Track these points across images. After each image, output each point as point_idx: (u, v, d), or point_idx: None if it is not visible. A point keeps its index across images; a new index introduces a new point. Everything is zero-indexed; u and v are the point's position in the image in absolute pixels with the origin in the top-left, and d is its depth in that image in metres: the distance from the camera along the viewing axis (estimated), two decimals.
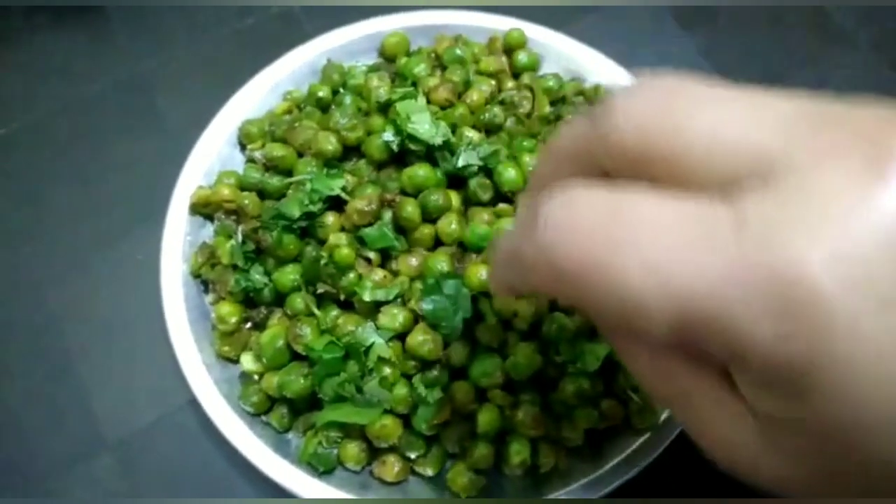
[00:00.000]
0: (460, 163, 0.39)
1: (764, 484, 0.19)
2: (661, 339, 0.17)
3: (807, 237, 0.15)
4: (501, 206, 0.40)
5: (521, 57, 0.47)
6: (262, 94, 0.46)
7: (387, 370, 0.36)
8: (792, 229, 0.15)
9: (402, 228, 0.39)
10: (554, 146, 0.22)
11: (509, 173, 0.39)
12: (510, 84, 0.45)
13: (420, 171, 0.39)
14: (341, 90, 0.46)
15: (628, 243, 0.16)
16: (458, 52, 0.45)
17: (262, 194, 0.42)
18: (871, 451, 0.16)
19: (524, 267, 0.19)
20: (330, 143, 0.41)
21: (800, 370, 0.15)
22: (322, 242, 0.39)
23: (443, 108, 0.42)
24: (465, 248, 0.39)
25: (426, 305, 0.36)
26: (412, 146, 0.39)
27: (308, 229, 0.39)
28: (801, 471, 0.17)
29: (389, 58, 0.47)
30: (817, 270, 0.14)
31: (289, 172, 0.42)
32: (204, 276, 0.42)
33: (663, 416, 0.38)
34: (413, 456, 0.38)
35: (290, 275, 0.39)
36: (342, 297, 0.38)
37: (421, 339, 0.36)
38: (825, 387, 0.15)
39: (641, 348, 0.20)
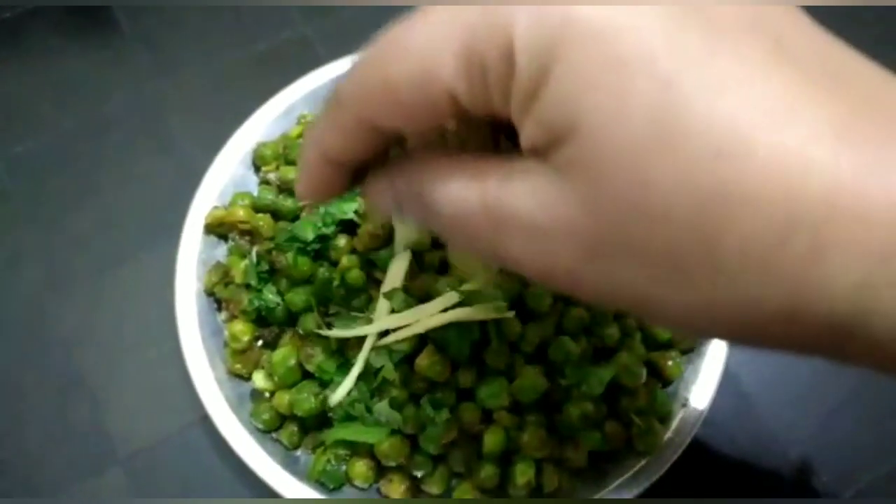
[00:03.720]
0: None
1: (569, 255, 0.19)
2: (454, 80, 0.19)
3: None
4: None
5: None
6: (276, 116, 0.47)
7: (395, 391, 0.37)
8: None
9: (412, 252, 0.40)
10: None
11: None
12: None
13: None
14: None
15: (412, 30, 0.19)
16: None
17: (276, 215, 0.43)
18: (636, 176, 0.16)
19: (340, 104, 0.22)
20: None
21: (554, 40, 0.17)
22: (334, 264, 0.40)
23: None
24: None
25: None
26: None
27: (321, 251, 0.40)
28: (591, 215, 0.17)
29: None
30: None
31: None
32: (217, 295, 0.43)
33: (666, 437, 0.39)
34: (419, 475, 0.38)
35: (302, 295, 0.39)
36: None
37: (429, 362, 0.37)
38: (575, 55, 0.16)
39: (445, 169, 0.21)
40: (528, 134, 0.19)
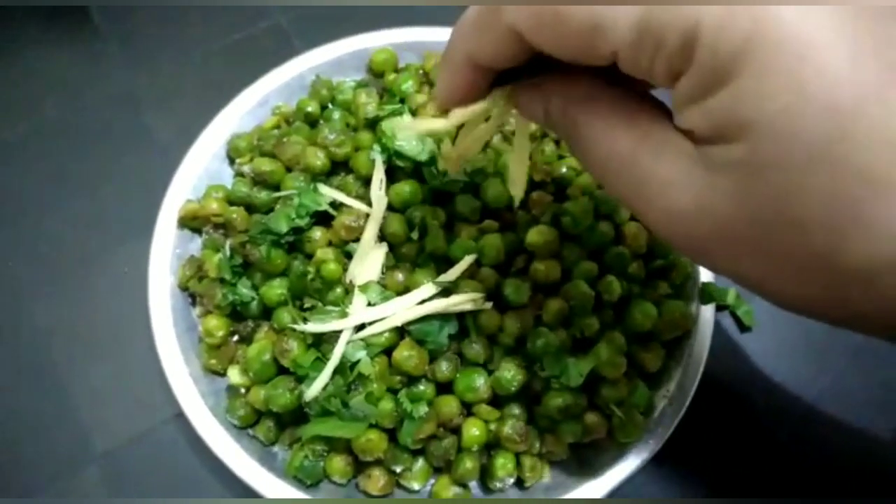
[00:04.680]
0: (447, 179, 0.40)
1: (701, 233, 0.20)
2: (622, 43, 0.20)
3: None
4: (487, 221, 0.40)
5: None
6: (250, 108, 0.46)
7: (372, 385, 0.36)
8: None
9: (388, 244, 0.39)
10: None
11: (495, 189, 0.40)
12: None
13: (406, 188, 0.39)
14: (330, 105, 0.46)
15: None
16: None
17: (250, 208, 0.42)
18: (800, 185, 0.18)
19: (499, 19, 0.22)
20: (318, 159, 0.41)
21: (742, 45, 0.17)
22: (309, 257, 0.39)
23: None
24: (451, 264, 0.39)
25: None
26: (399, 163, 0.40)
27: (295, 244, 0.40)
28: (734, 208, 0.19)
29: (378, 74, 0.48)
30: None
31: (277, 187, 0.42)
32: (191, 290, 0.42)
33: (648, 428, 0.39)
34: (398, 470, 0.38)
35: (277, 289, 0.39)
36: None
37: (407, 355, 0.36)
38: (763, 66, 0.17)
39: (602, 109, 0.23)
40: (691, 121, 0.20)
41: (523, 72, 0.25)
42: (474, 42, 0.24)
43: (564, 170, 0.42)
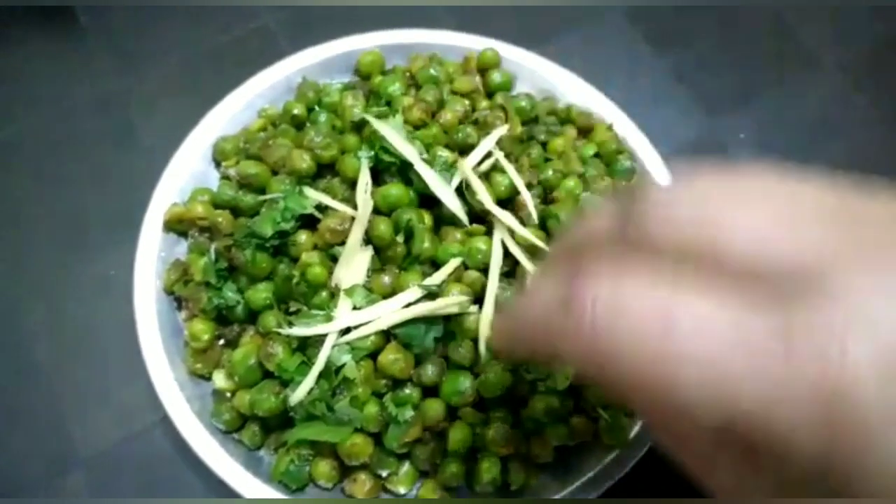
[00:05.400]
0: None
1: None
2: (703, 434, 0.18)
3: (851, 349, 0.15)
4: (473, 225, 0.40)
5: (495, 76, 0.47)
6: (237, 111, 0.46)
7: (357, 389, 0.36)
8: (833, 340, 0.15)
9: (374, 247, 0.39)
10: (583, 224, 0.22)
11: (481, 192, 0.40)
12: (483, 104, 0.46)
13: (393, 191, 0.39)
14: (316, 108, 0.46)
15: (681, 351, 0.17)
16: (433, 71, 0.46)
17: (236, 211, 0.42)
18: None
19: (555, 339, 0.19)
20: (304, 161, 0.41)
21: (835, 476, 0.16)
22: (295, 260, 0.39)
23: (416, 127, 0.42)
24: (437, 267, 0.39)
25: None
26: (386, 158, 0.40)
27: (281, 247, 0.40)
28: None
29: (364, 76, 0.48)
30: (860, 386, 0.15)
31: (263, 190, 0.42)
32: (177, 293, 0.42)
33: (633, 433, 0.39)
34: (384, 473, 0.38)
35: (262, 293, 0.39)
36: None
37: (392, 358, 0.36)
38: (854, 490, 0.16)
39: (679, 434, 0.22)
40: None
41: None
42: (545, 345, 0.21)
43: (551, 172, 0.42)
